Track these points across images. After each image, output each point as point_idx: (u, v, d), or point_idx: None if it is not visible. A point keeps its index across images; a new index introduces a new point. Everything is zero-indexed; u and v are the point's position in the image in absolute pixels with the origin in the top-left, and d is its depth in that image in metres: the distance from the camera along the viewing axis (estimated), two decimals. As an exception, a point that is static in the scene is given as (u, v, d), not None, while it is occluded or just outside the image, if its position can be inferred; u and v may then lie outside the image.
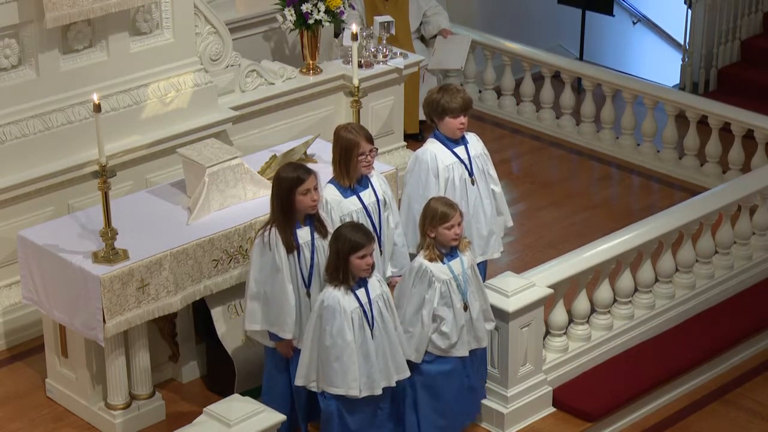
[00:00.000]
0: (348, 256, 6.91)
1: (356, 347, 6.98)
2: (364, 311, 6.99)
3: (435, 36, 11.57)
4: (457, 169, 7.90)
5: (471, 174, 7.94)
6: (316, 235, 7.29)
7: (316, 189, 7.21)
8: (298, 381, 7.15)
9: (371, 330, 7.02)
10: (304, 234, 7.26)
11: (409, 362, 7.39)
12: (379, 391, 7.10)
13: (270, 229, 7.21)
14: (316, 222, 7.31)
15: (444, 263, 7.27)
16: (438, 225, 7.22)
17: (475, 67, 12.32)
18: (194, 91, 9.36)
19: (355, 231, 6.96)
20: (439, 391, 7.42)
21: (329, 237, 7.25)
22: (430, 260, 7.26)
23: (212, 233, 7.81)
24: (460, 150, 7.94)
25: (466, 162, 7.93)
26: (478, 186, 7.96)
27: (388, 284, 7.41)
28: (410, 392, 7.47)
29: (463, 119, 7.86)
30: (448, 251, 7.30)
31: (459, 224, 7.24)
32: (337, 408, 7.13)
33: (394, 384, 7.17)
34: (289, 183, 7.16)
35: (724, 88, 12.89)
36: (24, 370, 8.43)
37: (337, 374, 6.98)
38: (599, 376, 8.37)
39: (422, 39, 11.68)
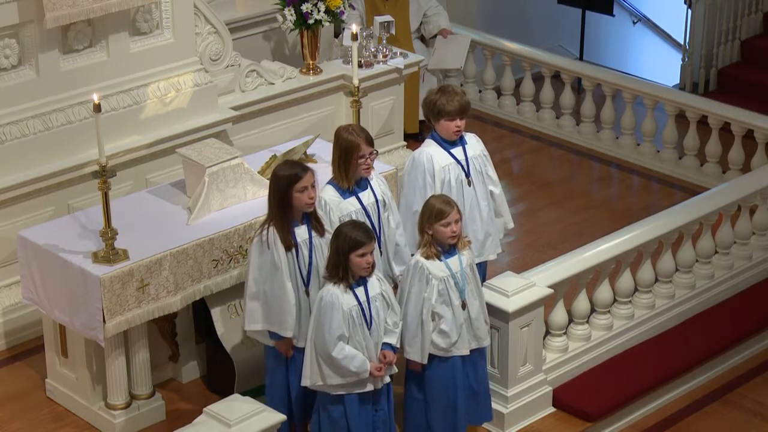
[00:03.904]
0: (348, 254, 6.92)
1: (354, 345, 6.99)
2: (362, 309, 7.00)
3: (435, 36, 11.57)
4: (453, 170, 7.88)
5: (468, 175, 7.93)
6: (313, 234, 7.29)
7: (313, 186, 7.20)
8: (304, 381, 7.15)
9: (369, 328, 7.03)
10: (301, 232, 7.26)
11: (412, 365, 7.41)
12: (374, 386, 7.11)
13: (267, 228, 7.21)
14: (313, 220, 7.31)
15: (441, 260, 7.27)
16: (434, 222, 7.22)
17: (475, 67, 12.32)
18: (194, 91, 9.36)
19: (355, 229, 6.96)
20: (444, 393, 7.42)
21: (327, 236, 7.26)
22: (427, 258, 7.27)
23: (212, 233, 7.81)
24: (457, 151, 7.93)
25: (463, 163, 7.92)
26: (475, 188, 7.94)
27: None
28: (416, 396, 7.48)
29: (459, 122, 7.84)
30: (446, 249, 7.30)
31: (456, 222, 7.24)
32: (334, 404, 7.14)
33: (383, 383, 7.17)
34: (286, 180, 7.16)
35: (724, 88, 12.90)
36: (24, 370, 8.43)
37: (345, 366, 6.97)
38: (599, 376, 8.37)
39: (422, 39, 11.68)
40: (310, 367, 7.08)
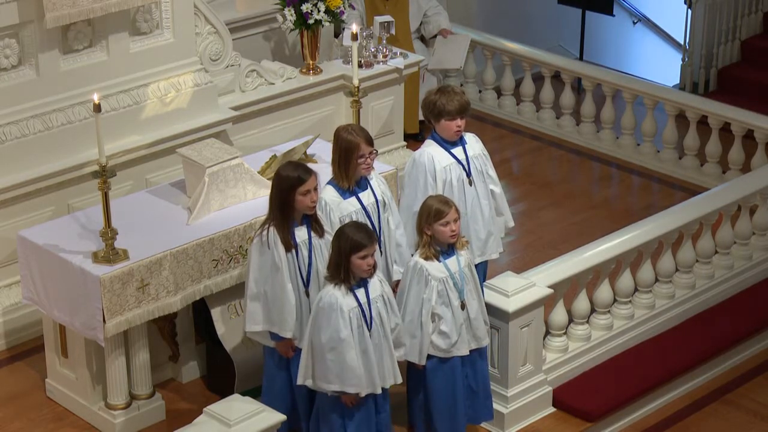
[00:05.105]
0: (349, 255, 6.91)
1: (355, 346, 6.98)
2: (363, 311, 6.99)
3: (435, 36, 11.57)
4: (454, 170, 7.88)
5: (469, 175, 7.93)
6: (313, 235, 7.29)
7: (315, 190, 7.21)
8: (300, 380, 7.15)
9: (369, 330, 7.02)
10: (301, 233, 7.26)
11: (414, 367, 7.41)
12: (379, 390, 7.10)
13: (268, 228, 7.21)
14: (313, 221, 7.31)
15: (440, 261, 7.27)
16: (434, 222, 7.22)
17: (475, 67, 12.32)
18: (194, 91, 9.36)
19: (357, 231, 6.95)
20: (445, 394, 7.42)
21: (326, 237, 7.26)
22: (426, 258, 7.27)
23: (212, 233, 7.81)
24: (457, 151, 7.93)
25: (464, 163, 7.93)
26: (476, 187, 7.94)
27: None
28: (418, 398, 7.48)
29: (459, 122, 7.83)
30: (445, 249, 7.30)
31: (455, 221, 7.24)
32: (335, 408, 7.13)
33: (389, 385, 7.17)
34: (290, 182, 7.16)
35: (724, 88, 12.90)
36: (24, 370, 8.43)
37: (331, 371, 6.97)
38: (599, 376, 8.37)
39: (422, 39, 11.69)
40: (306, 366, 7.08)
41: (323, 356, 6.97)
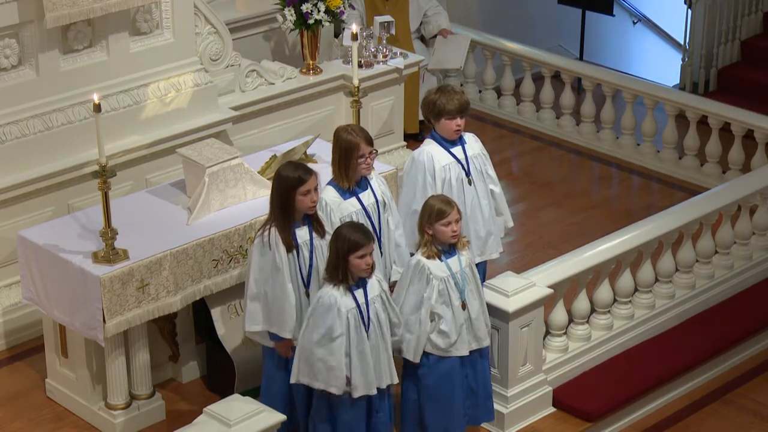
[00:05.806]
0: (347, 255, 6.91)
1: (351, 347, 6.97)
2: (360, 311, 6.99)
3: (435, 36, 11.58)
4: (453, 169, 7.89)
5: (468, 174, 7.94)
6: (314, 235, 7.29)
7: (316, 190, 7.21)
8: (293, 378, 7.15)
9: (366, 331, 7.02)
10: (302, 234, 7.26)
11: (410, 365, 7.41)
12: (374, 391, 7.10)
13: (269, 228, 7.21)
14: (314, 222, 7.31)
15: (442, 261, 7.27)
16: (435, 222, 7.22)
17: (475, 67, 12.32)
18: (194, 91, 9.36)
19: (354, 230, 6.95)
20: (440, 393, 7.42)
21: (327, 237, 7.26)
22: (428, 258, 7.26)
23: (212, 233, 7.81)
24: (457, 150, 7.93)
25: (463, 162, 7.93)
26: (476, 186, 7.95)
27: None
28: (412, 396, 7.48)
29: (459, 121, 7.84)
30: (446, 249, 7.30)
31: (456, 221, 7.24)
32: (327, 406, 7.13)
33: (385, 385, 7.17)
34: (290, 182, 7.16)
35: (724, 88, 12.90)
36: (24, 370, 8.44)
37: (320, 370, 6.98)
38: (599, 376, 8.37)
39: (422, 39, 11.69)
40: (299, 364, 7.08)
41: (312, 353, 6.97)
